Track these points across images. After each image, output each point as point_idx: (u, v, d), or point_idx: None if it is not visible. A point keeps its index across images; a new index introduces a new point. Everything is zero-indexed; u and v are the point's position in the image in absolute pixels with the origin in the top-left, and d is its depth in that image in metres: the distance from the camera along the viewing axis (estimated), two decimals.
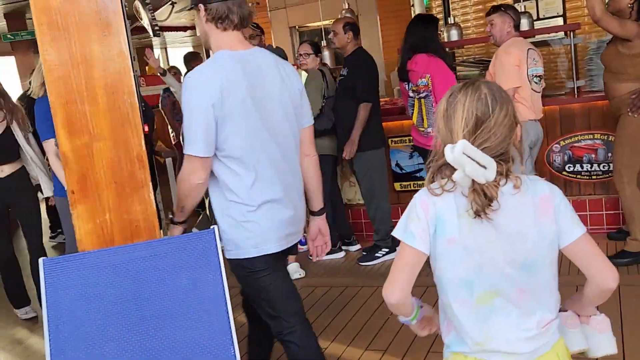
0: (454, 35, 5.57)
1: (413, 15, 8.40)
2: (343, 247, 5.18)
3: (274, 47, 5.40)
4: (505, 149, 1.51)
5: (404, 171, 5.16)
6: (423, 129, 4.17)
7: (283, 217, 2.33)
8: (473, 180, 1.47)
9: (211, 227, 2.16)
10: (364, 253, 4.97)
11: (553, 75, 6.06)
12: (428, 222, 1.54)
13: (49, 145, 3.75)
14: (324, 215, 2.61)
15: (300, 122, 2.43)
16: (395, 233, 1.61)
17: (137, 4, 7.35)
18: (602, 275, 1.56)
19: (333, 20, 4.96)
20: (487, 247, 1.52)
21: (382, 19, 8.95)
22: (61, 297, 2.00)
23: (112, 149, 2.14)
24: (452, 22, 5.73)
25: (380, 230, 4.87)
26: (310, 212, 2.60)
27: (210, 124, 2.15)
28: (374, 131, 4.75)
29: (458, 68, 7.32)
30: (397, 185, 5.26)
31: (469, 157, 1.44)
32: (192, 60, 7.14)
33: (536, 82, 4.31)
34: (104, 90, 2.11)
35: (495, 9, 4.31)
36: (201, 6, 2.25)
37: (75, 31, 2.06)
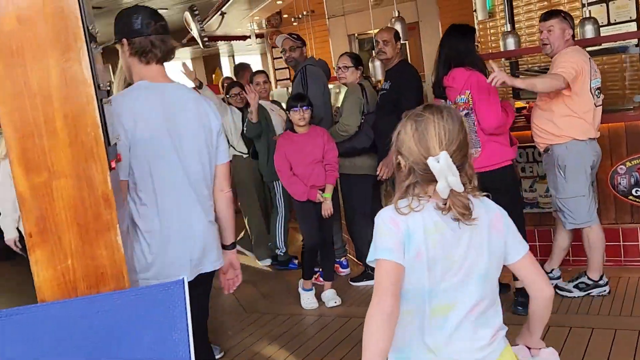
0: (511, 44, 5.12)
1: (476, 21, 7.99)
2: None
3: (317, 59, 5.14)
4: (464, 165, 1.64)
5: None
6: None
7: (186, 249, 2.37)
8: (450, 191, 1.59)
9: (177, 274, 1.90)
10: None
11: (622, 86, 5.49)
12: (401, 236, 1.61)
13: None
14: (235, 249, 2.69)
15: (215, 159, 2.50)
16: (370, 258, 1.65)
17: (187, 14, 7.29)
18: (543, 286, 1.74)
19: (379, 30, 4.63)
20: (449, 261, 1.63)
21: (444, 25, 8.49)
22: (8, 355, 1.79)
23: (74, 187, 1.92)
24: (509, 29, 5.28)
25: None
26: (223, 246, 2.63)
27: (124, 149, 2.23)
28: None
29: (521, 77, 6.83)
30: None
31: (449, 168, 1.58)
32: (241, 70, 7.00)
33: (597, 96, 3.85)
34: (64, 123, 1.89)
35: (553, 14, 3.86)
36: (124, 40, 2.36)
37: (31, 57, 1.85)
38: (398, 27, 5.74)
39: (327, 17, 9.05)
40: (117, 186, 2.14)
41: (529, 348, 1.84)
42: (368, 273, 4.77)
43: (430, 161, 1.58)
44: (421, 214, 1.63)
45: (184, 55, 14.33)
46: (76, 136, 1.91)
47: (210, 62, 13.92)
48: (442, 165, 1.56)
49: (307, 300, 4.45)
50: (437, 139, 1.61)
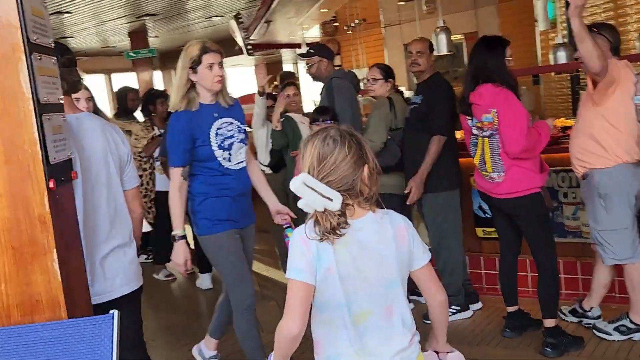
0: (562, 57, 4.74)
1: (537, 32, 7.56)
2: (412, 297, 4.53)
3: (346, 70, 4.91)
4: (351, 185, 1.75)
5: (487, 215, 4.43)
6: (487, 174, 3.47)
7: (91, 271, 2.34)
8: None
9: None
10: None
11: None
12: (311, 256, 1.73)
13: (174, 174, 3.09)
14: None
15: (126, 184, 2.58)
16: (287, 274, 1.76)
17: (232, 22, 7.25)
18: (436, 292, 1.90)
19: (412, 40, 4.36)
20: (360, 272, 1.76)
21: (504, 36, 8.07)
22: None
23: (9, 208, 1.81)
24: (561, 42, 4.89)
25: (450, 285, 4.18)
26: None
27: None
28: (448, 169, 4.11)
29: (581, 92, 6.37)
30: (479, 231, 4.54)
31: (310, 187, 1.70)
32: (286, 78, 6.88)
33: None
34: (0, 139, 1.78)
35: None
36: None
37: None
38: (442, 38, 5.47)
39: (382, 25, 8.81)
40: (66, 206, 2.01)
41: (437, 352, 1.98)
42: None
43: (292, 180, 1.71)
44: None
45: (247, 62, 14.42)
46: (12, 153, 1.79)
47: (273, 69, 13.90)
48: (295, 185, 1.70)
49: None
50: (309, 161, 1.75)
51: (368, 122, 4.30)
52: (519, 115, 3.26)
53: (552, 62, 4.89)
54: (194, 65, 3.01)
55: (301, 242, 1.75)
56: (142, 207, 2.81)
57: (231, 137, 3.11)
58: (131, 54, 9.58)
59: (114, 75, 12.71)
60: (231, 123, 3.12)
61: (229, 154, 3.08)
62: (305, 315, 1.74)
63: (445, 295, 1.91)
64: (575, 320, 3.88)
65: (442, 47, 5.50)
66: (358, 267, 1.75)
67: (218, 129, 3.06)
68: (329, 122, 4.01)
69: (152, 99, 5.88)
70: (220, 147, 3.05)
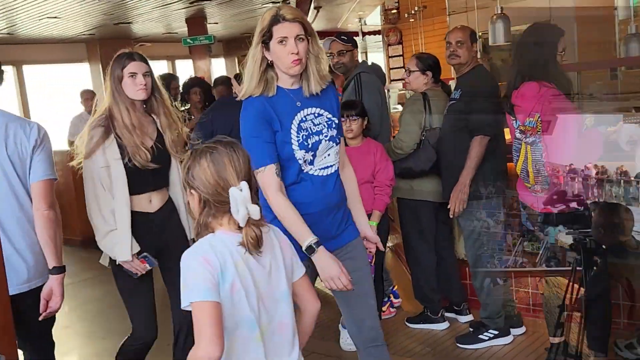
0: (634, 49, 4.12)
1: (617, 21, 6.81)
2: (448, 314, 4.10)
3: (371, 63, 4.52)
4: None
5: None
6: (529, 185, 2.97)
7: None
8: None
9: None
10: (470, 330, 3.86)
11: None
12: (215, 273, 1.68)
13: (266, 177, 2.31)
14: (59, 275, 2.53)
15: (31, 177, 2.49)
16: (185, 302, 1.67)
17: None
18: (317, 300, 1.96)
19: (452, 29, 3.89)
20: (259, 287, 1.77)
21: (580, 24, 7.37)
22: None
23: None
24: (633, 31, 4.26)
25: (488, 306, 3.72)
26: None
27: None
28: (489, 173, 3.61)
29: None
30: (527, 246, 4.02)
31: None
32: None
33: None
34: None
35: None
36: None
37: None
38: (500, 26, 4.93)
39: (448, 12, 8.23)
40: None
41: None
42: (427, 315, 4.07)
43: (233, 191, 1.69)
44: (227, 247, 1.72)
45: None
46: None
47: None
48: (244, 194, 1.69)
49: (347, 339, 3.84)
50: (234, 171, 1.73)
51: (399, 120, 3.87)
52: (566, 122, 2.74)
53: (622, 55, 4.27)
54: (266, 39, 2.33)
55: (202, 260, 1.69)
56: (53, 205, 2.53)
57: (318, 133, 2.41)
58: (188, 40, 9.40)
59: (177, 62, 12.68)
60: (319, 115, 2.44)
61: (313, 155, 2.40)
62: (222, 336, 1.66)
63: (319, 304, 1.95)
64: (633, 357, 3.33)
65: (499, 37, 4.95)
66: (257, 282, 1.76)
67: (301, 121, 2.40)
68: (354, 117, 3.60)
69: (187, 88, 5.64)
70: (302, 146, 2.37)
